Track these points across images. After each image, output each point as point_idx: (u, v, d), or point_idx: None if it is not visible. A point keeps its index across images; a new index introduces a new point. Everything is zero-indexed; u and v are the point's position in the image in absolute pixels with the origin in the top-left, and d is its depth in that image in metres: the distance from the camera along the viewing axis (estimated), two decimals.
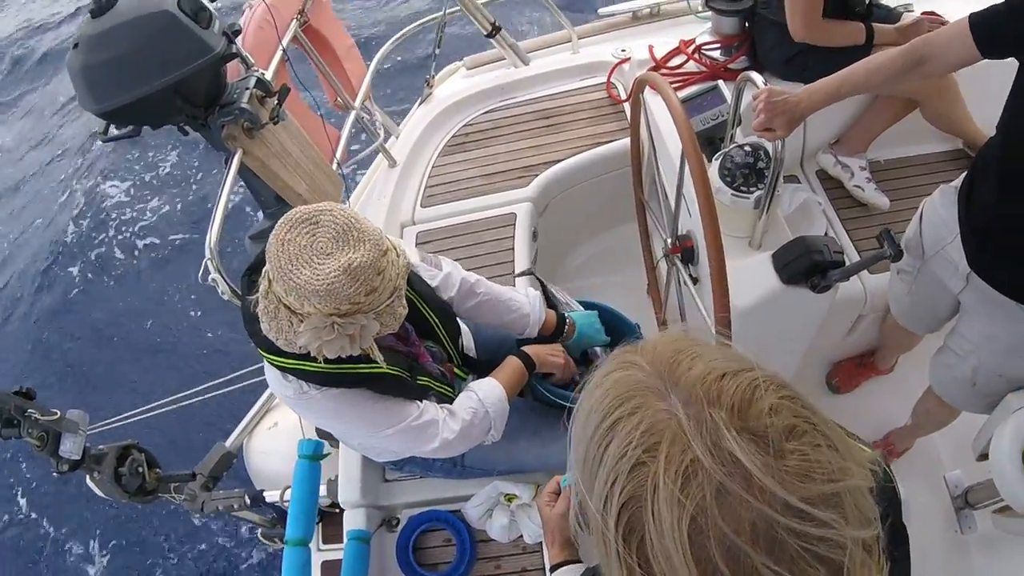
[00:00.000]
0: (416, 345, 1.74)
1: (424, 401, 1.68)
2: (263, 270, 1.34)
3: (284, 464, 2.80)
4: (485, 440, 1.76)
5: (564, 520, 1.29)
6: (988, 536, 2.55)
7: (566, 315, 2.02)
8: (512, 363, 1.82)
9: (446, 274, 1.83)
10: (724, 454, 0.59)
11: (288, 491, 2.61)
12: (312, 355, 1.37)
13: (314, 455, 2.16)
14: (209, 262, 1.89)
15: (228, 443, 2.82)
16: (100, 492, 2.50)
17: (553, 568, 1.30)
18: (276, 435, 2.86)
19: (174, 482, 2.61)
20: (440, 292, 1.80)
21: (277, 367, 1.47)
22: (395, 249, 1.38)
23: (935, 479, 2.68)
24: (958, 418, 2.35)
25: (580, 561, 1.31)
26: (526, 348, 1.86)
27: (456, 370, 1.87)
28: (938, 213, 1.94)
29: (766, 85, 1.82)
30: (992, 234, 1.77)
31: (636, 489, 0.62)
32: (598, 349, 2.11)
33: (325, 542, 2.37)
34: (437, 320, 1.74)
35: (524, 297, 1.96)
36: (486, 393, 1.73)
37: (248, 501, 2.67)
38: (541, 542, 2.01)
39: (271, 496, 2.67)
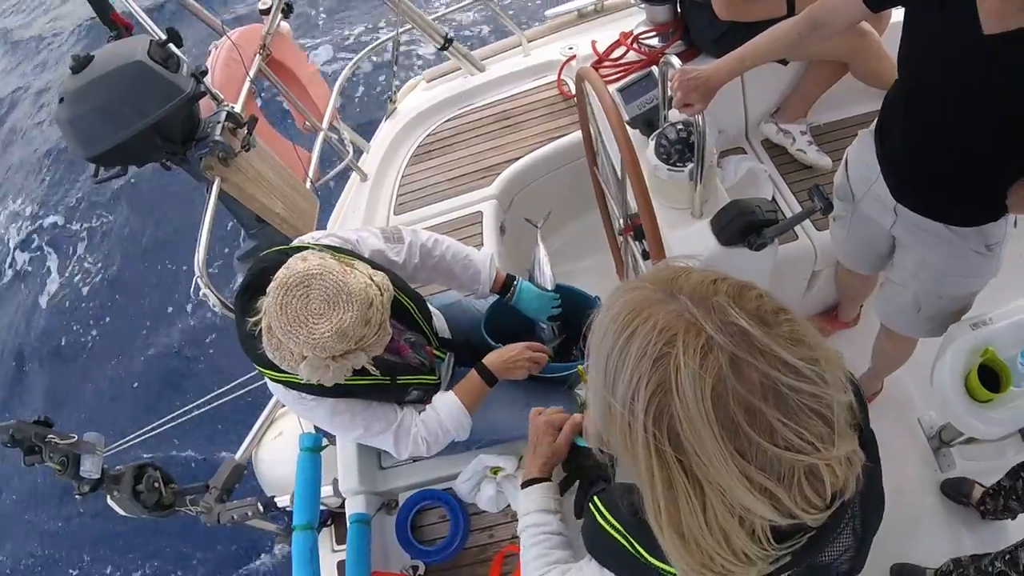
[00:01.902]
0: (396, 339, 1.98)
1: (405, 409, 1.98)
2: (262, 303, 1.63)
3: (292, 470, 3.07)
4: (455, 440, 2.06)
5: (553, 447, 1.53)
6: (967, 473, 2.74)
7: (516, 281, 2.25)
8: (473, 379, 2.05)
9: (408, 244, 2.07)
10: (732, 328, 0.72)
11: None
12: None
13: (314, 447, 2.43)
14: (199, 279, 2.19)
15: (237, 456, 3.08)
16: (120, 510, 2.76)
17: (525, 484, 1.52)
18: (282, 444, 3.09)
19: (189, 495, 2.88)
20: (406, 265, 2.06)
21: (274, 380, 1.78)
22: (379, 292, 1.67)
23: (911, 423, 2.91)
24: (927, 361, 2.49)
25: (550, 480, 1.52)
26: (487, 360, 2.06)
27: (435, 352, 2.13)
28: (861, 156, 2.17)
29: (681, 65, 2.10)
30: (905, 165, 2.01)
31: (661, 377, 0.73)
32: (544, 326, 2.38)
33: (338, 543, 2.57)
34: (412, 305, 2.01)
35: (481, 255, 2.20)
36: (447, 414, 2.00)
37: (261, 508, 2.91)
38: None
39: (282, 501, 2.90)
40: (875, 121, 2.11)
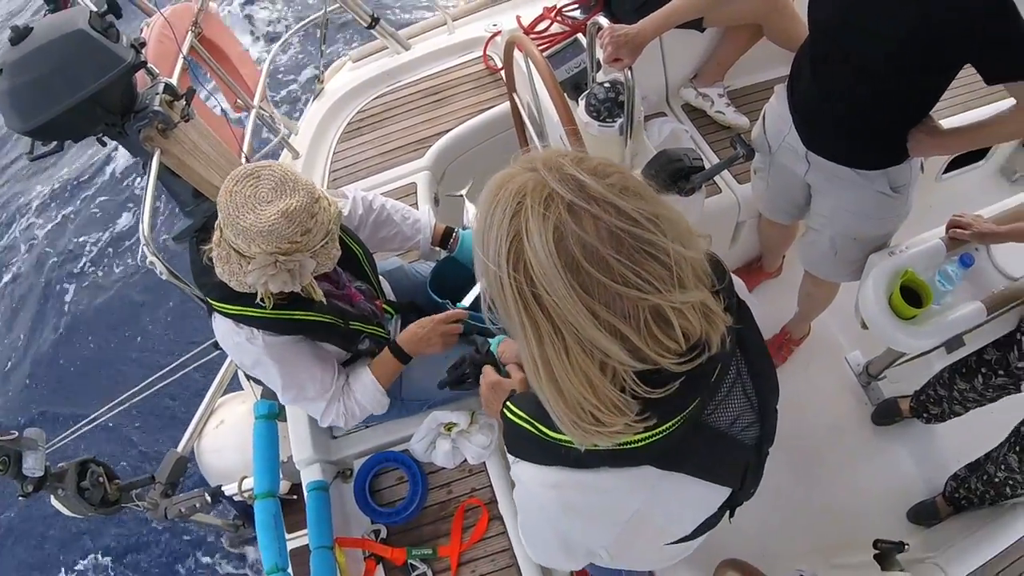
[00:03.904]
0: (347, 286, 2.12)
1: (339, 380, 2.09)
2: (215, 223, 1.72)
3: (237, 457, 3.10)
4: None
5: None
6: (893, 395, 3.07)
7: (456, 229, 2.41)
8: (385, 357, 2.15)
9: (352, 199, 2.23)
10: (568, 179, 0.84)
11: (246, 480, 2.89)
12: (259, 296, 1.77)
13: (269, 414, 2.47)
14: (145, 247, 2.27)
15: (180, 448, 3.11)
16: (66, 510, 2.75)
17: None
18: (224, 432, 3.16)
19: (134, 489, 2.90)
20: (352, 216, 2.20)
21: (227, 315, 1.84)
22: (327, 199, 1.77)
23: (838, 363, 3.23)
24: (847, 303, 2.73)
25: None
26: (400, 339, 2.16)
27: (384, 306, 2.27)
28: (775, 110, 2.40)
29: (610, 23, 2.31)
30: (812, 112, 2.24)
31: (516, 228, 0.85)
32: None
33: (289, 531, 2.54)
34: (361, 252, 2.14)
35: (419, 210, 2.37)
36: (362, 392, 2.12)
37: (209, 499, 2.95)
38: (484, 462, 2.38)
39: (230, 489, 2.94)
40: (787, 76, 2.33)
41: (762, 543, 2.59)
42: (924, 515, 2.85)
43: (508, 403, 1.21)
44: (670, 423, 0.95)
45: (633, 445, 0.96)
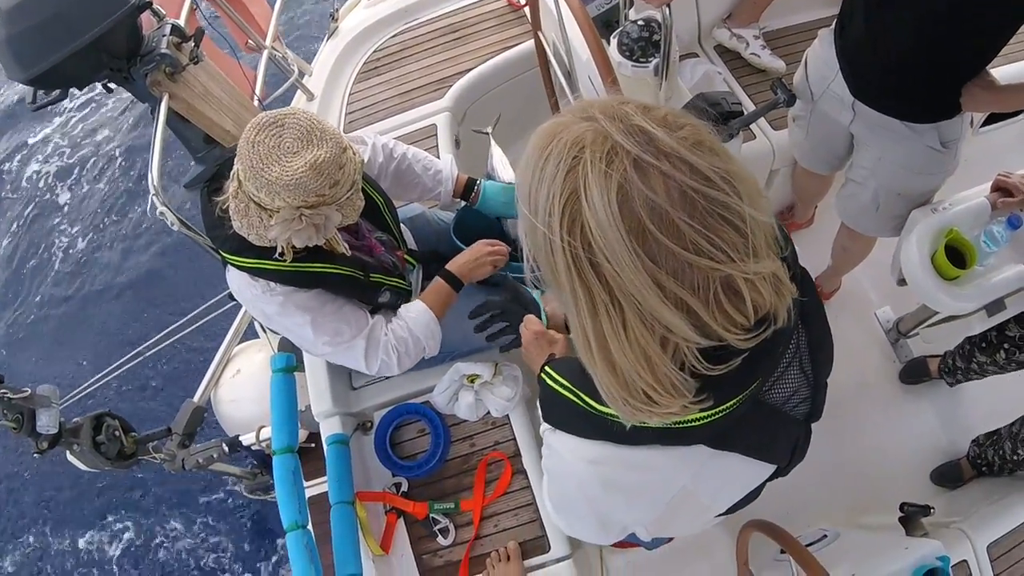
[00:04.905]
0: (367, 237, 2.02)
1: (376, 317, 1.98)
2: (231, 173, 1.60)
3: (254, 408, 3.03)
4: (425, 355, 2.08)
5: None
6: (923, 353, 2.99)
7: (479, 181, 2.28)
8: (438, 285, 2.08)
9: (372, 145, 2.11)
10: (635, 130, 0.74)
11: (263, 430, 2.85)
12: (280, 249, 1.66)
13: (287, 367, 2.37)
14: (155, 197, 2.16)
15: (196, 398, 3.04)
16: (82, 465, 2.71)
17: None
18: (241, 382, 3.10)
19: (151, 442, 2.86)
20: (372, 164, 2.09)
21: (242, 268, 1.74)
22: (351, 147, 1.66)
23: (867, 319, 3.13)
24: (880, 257, 2.67)
25: None
26: (450, 266, 2.09)
27: (406, 257, 2.17)
28: (820, 55, 2.26)
29: None
30: (863, 61, 2.10)
31: (572, 186, 0.75)
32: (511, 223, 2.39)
33: (308, 478, 2.52)
34: (382, 201, 2.03)
35: (440, 159, 2.26)
36: (415, 320, 2.02)
37: (226, 449, 2.92)
38: (508, 415, 2.32)
39: (247, 439, 2.90)
40: (835, 20, 2.19)
41: (787, 501, 2.53)
42: (948, 477, 2.80)
43: (548, 368, 1.13)
44: (731, 402, 0.89)
45: (691, 424, 0.89)
